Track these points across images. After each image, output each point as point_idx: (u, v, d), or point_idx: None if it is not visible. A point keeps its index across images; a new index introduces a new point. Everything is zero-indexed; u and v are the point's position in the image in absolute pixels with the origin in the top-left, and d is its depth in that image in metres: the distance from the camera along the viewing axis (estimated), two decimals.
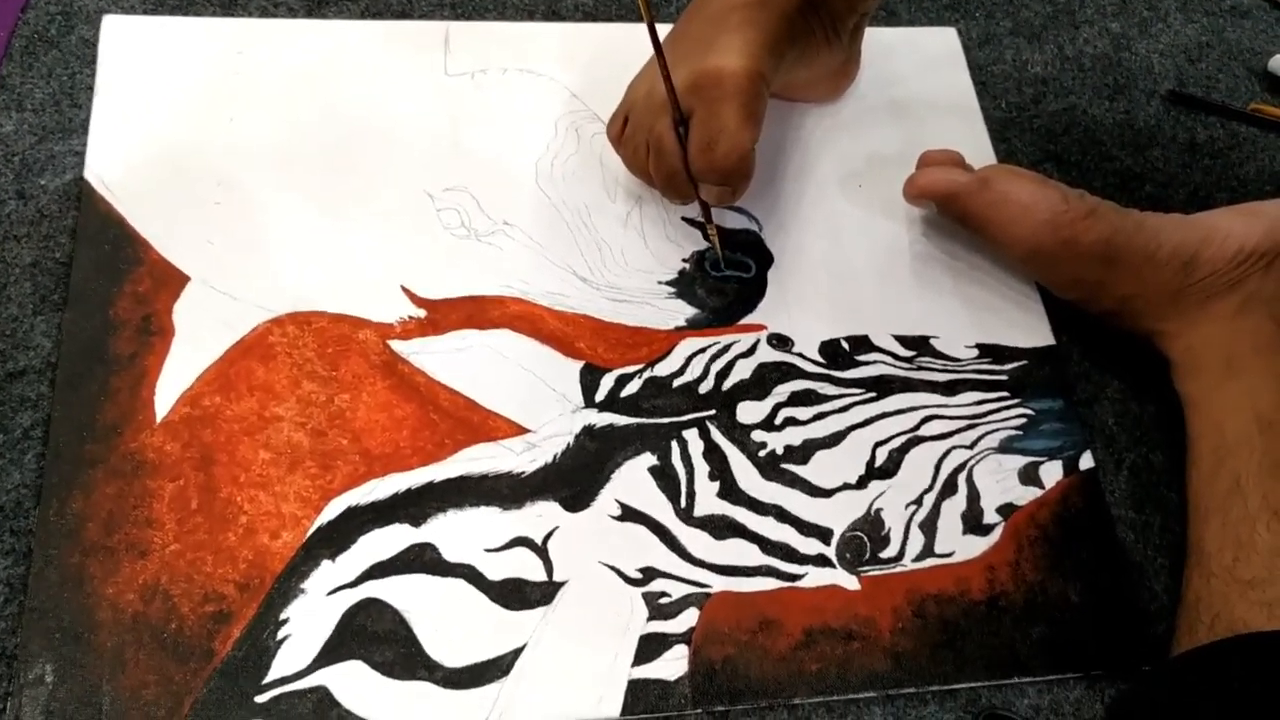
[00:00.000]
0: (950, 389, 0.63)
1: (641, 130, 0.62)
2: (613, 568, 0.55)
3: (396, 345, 0.60)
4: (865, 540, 0.58)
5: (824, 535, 0.57)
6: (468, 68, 0.70)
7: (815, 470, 0.59)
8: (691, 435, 0.59)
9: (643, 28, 0.56)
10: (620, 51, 0.66)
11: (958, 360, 0.64)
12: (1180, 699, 0.52)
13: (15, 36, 0.67)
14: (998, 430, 0.62)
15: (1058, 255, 0.63)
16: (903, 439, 0.61)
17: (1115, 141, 0.76)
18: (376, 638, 0.52)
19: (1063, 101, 0.76)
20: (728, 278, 0.65)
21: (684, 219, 0.66)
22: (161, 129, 0.64)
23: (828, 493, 0.59)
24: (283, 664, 0.51)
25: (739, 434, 0.60)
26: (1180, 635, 0.56)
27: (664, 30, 0.62)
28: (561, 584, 0.55)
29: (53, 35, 0.68)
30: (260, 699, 0.50)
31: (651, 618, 0.54)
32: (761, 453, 0.59)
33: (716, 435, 0.59)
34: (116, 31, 0.67)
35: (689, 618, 0.55)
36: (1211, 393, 0.61)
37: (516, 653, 0.53)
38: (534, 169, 0.67)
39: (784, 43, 0.62)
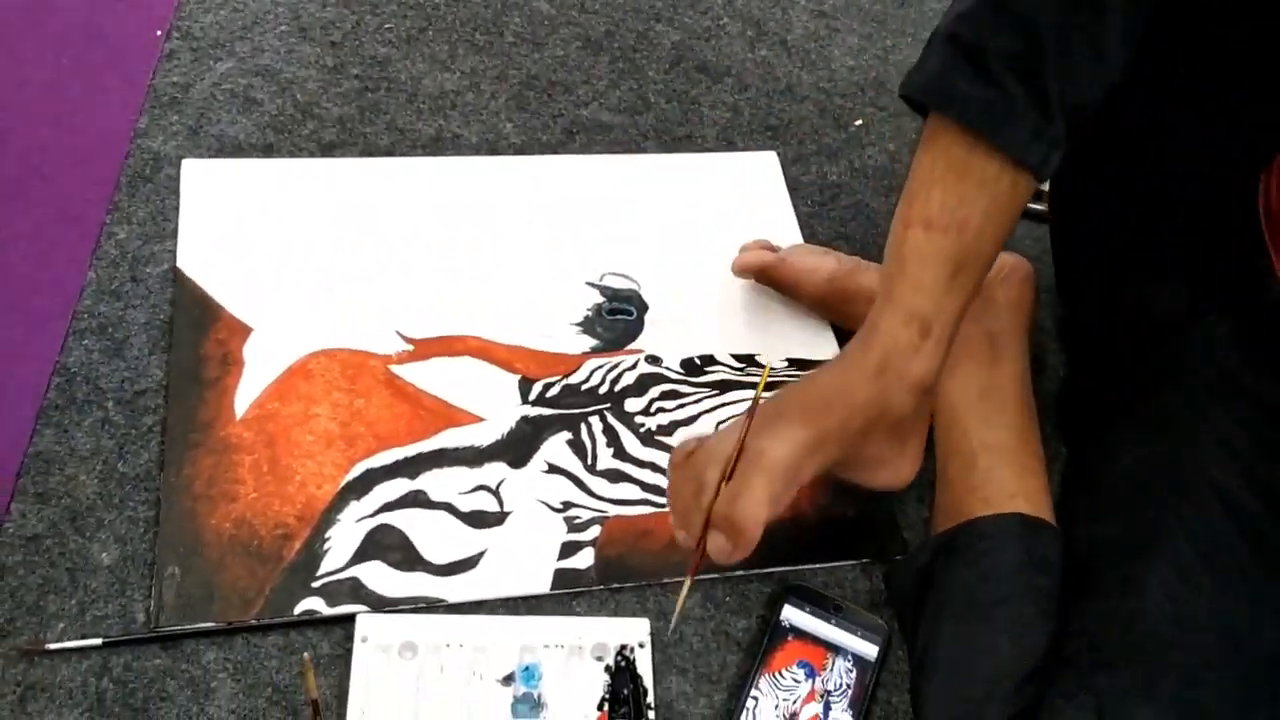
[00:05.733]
0: (769, 388, 0.93)
1: (699, 466, 0.71)
2: (543, 502, 0.84)
3: (394, 368, 0.89)
4: None
5: None
6: (442, 193, 1.02)
7: (677, 440, 0.89)
8: (595, 420, 0.89)
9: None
10: (565, 183, 0.98)
11: (774, 370, 0.94)
12: (926, 563, 0.81)
13: (121, 175, 0.97)
14: None
15: (835, 301, 0.94)
16: (731, 418, 0.90)
17: (888, 225, 1.08)
18: (389, 547, 0.80)
19: (852, 199, 1.09)
20: (617, 320, 0.95)
21: (590, 283, 0.97)
22: (228, 234, 0.94)
23: None
24: (328, 563, 0.78)
25: (626, 419, 0.89)
26: (931, 532, 0.85)
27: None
28: (509, 513, 0.83)
29: (147, 174, 0.98)
30: (314, 585, 0.77)
31: (569, 532, 0.83)
32: (641, 429, 0.89)
33: (611, 419, 0.89)
34: (193, 170, 0.98)
35: (594, 531, 0.83)
36: (944, 380, 0.91)
37: (481, 554, 0.81)
38: (495, 261, 0.97)
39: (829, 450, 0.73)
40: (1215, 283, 0.81)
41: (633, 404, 0.90)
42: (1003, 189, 0.70)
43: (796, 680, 0.78)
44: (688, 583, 0.72)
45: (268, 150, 1.02)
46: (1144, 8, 0.68)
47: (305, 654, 0.61)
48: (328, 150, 1.03)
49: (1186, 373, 0.82)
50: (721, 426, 0.80)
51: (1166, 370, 0.83)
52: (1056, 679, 0.72)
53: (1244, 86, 0.76)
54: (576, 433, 0.88)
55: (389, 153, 1.04)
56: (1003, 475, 0.83)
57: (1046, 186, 1.09)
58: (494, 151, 1.06)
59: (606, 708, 0.75)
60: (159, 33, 1.08)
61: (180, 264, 0.92)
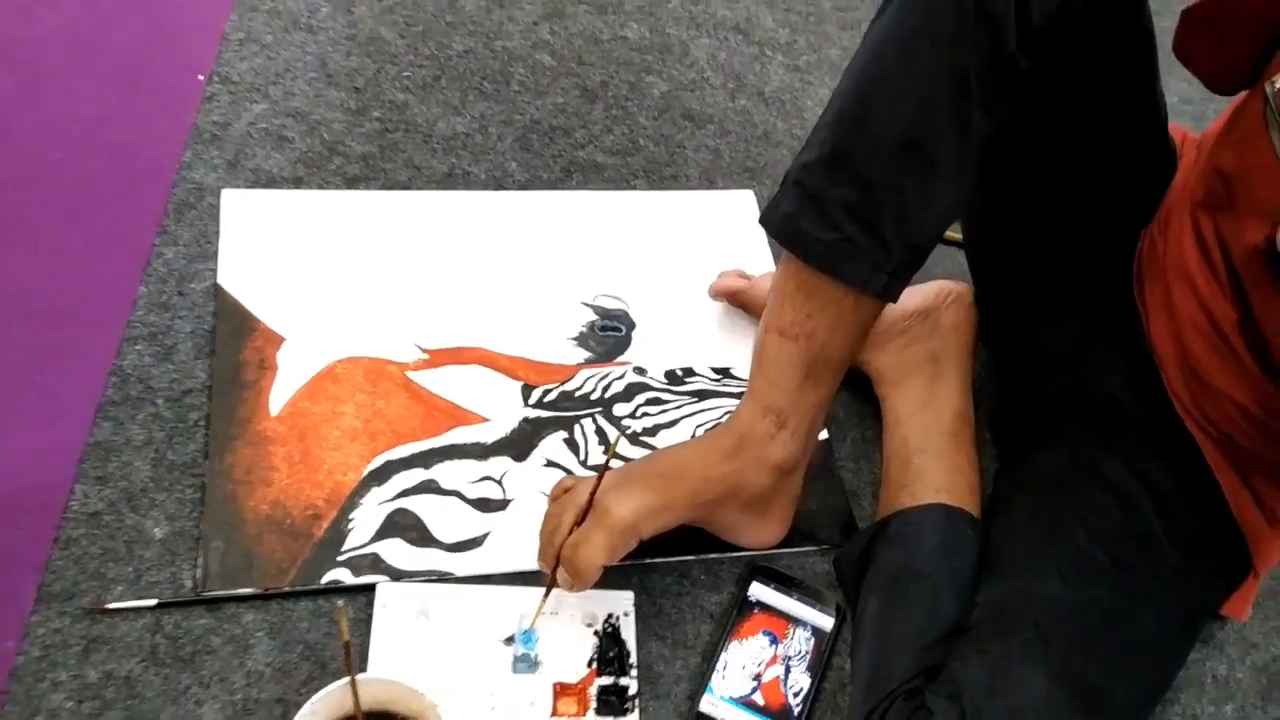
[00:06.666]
0: (741, 397, 1.05)
1: (564, 506, 0.84)
2: (541, 492, 0.95)
3: (411, 374, 1.01)
4: None
5: None
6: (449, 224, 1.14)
7: (659, 441, 1.00)
8: (587, 422, 1.01)
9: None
10: (563, 216, 1.10)
11: (747, 381, 1.06)
12: (864, 548, 0.93)
13: (169, 203, 1.09)
14: None
15: None
16: (711, 423, 1.02)
17: None
18: (406, 527, 0.91)
19: None
20: (608, 335, 1.07)
21: (584, 303, 1.09)
22: (264, 255, 1.06)
23: None
24: (352, 540, 0.90)
25: (614, 421, 1.01)
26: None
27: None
28: (511, 500, 0.94)
29: (191, 201, 1.10)
30: (340, 558, 0.88)
31: None
32: (628, 431, 1.01)
33: (601, 422, 1.01)
34: (231, 199, 1.10)
35: None
36: (890, 392, 1.04)
37: (486, 535, 0.92)
38: (501, 283, 1.10)
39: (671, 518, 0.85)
40: (1102, 323, 0.94)
41: (621, 409, 1.02)
42: (846, 308, 0.83)
43: (761, 647, 0.89)
44: (540, 603, 0.85)
45: (298, 183, 1.14)
46: (974, 150, 0.79)
47: (339, 601, 0.72)
48: (352, 184, 1.15)
49: (1083, 398, 0.95)
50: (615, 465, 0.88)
51: (1068, 396, 0.96)
52: (961, 642, 0.83)
53: (1124, 168, 0.91)
54: (571, 433, 1.00)
55: (406, 187, 1.16)
56: (932, 473, 0.95)
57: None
58: (500, 187, 1.19)
59: (595, 666, 0.86)
60: (201, 77, 1.20)
61: (221, 281, 1.03)
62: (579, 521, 0.82)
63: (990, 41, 0.77)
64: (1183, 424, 0.90)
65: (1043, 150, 0.89)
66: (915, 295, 1.07)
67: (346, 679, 0.71)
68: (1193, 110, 1.46)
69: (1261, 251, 0.77)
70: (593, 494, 0.82)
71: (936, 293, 1.08)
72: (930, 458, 0.97)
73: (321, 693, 0.72)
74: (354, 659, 0.71)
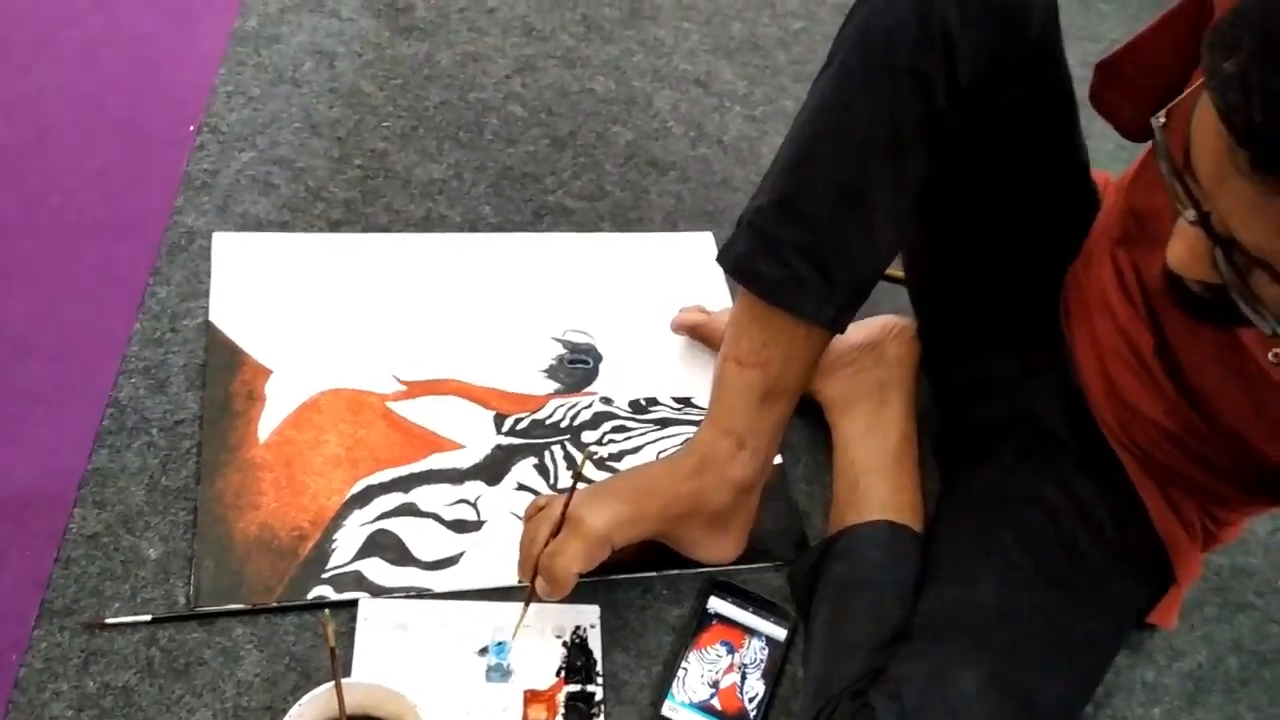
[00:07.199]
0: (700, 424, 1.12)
1: (540, 520, 0.90)
2: (513, 513, 1.02)
3: (390, 404, 1.07)
4: None
5: None
6: (429, 265, 1.21)
7: (624, 466, 1.07)
8: (556, 448, 1.07)
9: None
10: (534, 257, 1.17)
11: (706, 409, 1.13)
12: (815, 563, 1.00)
13: (162, 246, 1.16)
14: None
15: None
16: (673, 449, 1.09)
17: None
18: (386, 547, 0.97)
19: None
20: (576, 368, 1.14)
21: (554, 338, 1.16)
22: (252, 294, 1.13)
23: None
24: (336, 559, 0.96)
25: (581, 447, 1.08)
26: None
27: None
28: (485, 521, 1.01)
29: (183, 244, 1.16)
30: (324, 576, 0.94)
31: None
32: (595, 456, 1.07)
33: (570, 448, 1.08)
34: (222, 242, 1.17)
35: None
36: (840, 419, 1.11)
37: (461, 554, 0.98)
38: (476, 319, 1.17)
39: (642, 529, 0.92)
40: (1033, 353, 1.03)
41: (588, 436, 1.09)
42: (798, 338, 0.91)
43: (719, 656, 0.96)
44: (520, 614, 0.92)
45: (284, 226, 1.21)
46: (910, 196, 0.88)
47: (325, 610, 0.78)
48: (335, 227, 1.22)
49: (1017, 422, 1.03)
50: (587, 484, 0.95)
51: (1003, 421, 1.04)
52: (903, 646, 0.90)
53: (1049, 210, 0.99)
54: (541, 459, 1.06)
55: (386, 230, 1.24)
56: (878, 492, 1.02)
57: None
58: (474, 229, 1.26)
59: (563, 675, 0.92)
60: (192, 128, 1.27)
61: (212, 318, 1.10)
62: (555, 534, 0.88)
63: (922, 99, 0.85)
64: (1108, 444, 0.97)
65: (975, 195, 0.97)
66: (862, 329, 1.15)
67: (331, 683, 0.77)
68: (1126, 156, 1.55)
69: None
70: (565, 507, 0.88)
71: (882, 327, 1.16)
72: (876, 478, 1.05)
73: (308, 696, 0.78)
74: (339, 664, 0.77)
